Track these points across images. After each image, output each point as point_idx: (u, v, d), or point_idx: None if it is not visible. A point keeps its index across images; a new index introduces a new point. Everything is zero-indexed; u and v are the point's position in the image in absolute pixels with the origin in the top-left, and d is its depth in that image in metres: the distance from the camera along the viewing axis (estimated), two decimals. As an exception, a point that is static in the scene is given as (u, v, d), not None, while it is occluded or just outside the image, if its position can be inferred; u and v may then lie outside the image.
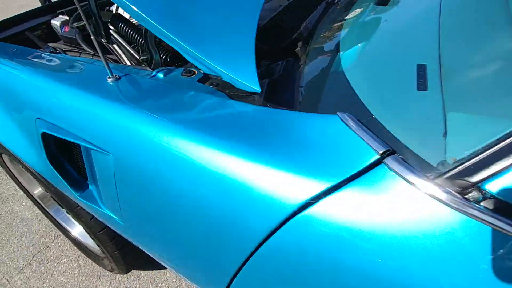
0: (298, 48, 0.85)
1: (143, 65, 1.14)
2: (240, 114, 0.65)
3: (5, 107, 1.06)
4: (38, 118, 0.92)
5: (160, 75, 0.90)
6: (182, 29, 0.70)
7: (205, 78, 0.88)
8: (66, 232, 1.64)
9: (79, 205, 1.14)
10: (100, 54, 0.81)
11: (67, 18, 1.65)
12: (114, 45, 1.19)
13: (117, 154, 0.75)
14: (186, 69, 0.89)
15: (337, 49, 0.78)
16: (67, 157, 0.99)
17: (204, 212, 0.62)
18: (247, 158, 0.55)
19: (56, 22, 1.64)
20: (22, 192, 2.29)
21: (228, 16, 0.78)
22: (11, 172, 1.55)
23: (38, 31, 1.68)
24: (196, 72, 0.89)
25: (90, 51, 1.27)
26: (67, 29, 1.61)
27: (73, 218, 1.23)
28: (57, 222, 1.63)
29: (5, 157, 1.46)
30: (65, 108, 0.85)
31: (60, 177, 0.95)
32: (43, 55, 1.12)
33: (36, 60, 1.07)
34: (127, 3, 0.71)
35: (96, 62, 1.03)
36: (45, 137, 0.93)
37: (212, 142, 0.60)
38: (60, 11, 1.71)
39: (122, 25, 1.11)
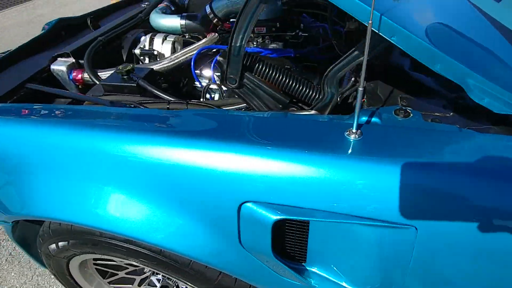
0: None
1: (293, 109, 0.99)
2: None
3: (166, 202, 0.79)
4: (246, 202, 0.72)
5: (376, 120, 0.80)
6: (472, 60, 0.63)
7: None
8: None
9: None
10: (358, 105, 0.67)
11: (73, 60, 1.32)
12: (242, 90, 1.00)
13: (424, 227, 0.63)
14: (403, 109, 0.81)
15: None
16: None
17: None
18: None
19: (60, 68, 1.30)
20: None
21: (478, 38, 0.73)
22: (72, 278, 1.18)
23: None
24: (411, 112, 0.81)
25: (180, 100, 1.04)
26: (76, 74, 1.30)
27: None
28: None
29: (75, 261, 1.11)
30: (299, 183, 0.68)
31: (286, 267, 0.75)
32: (176, 117, 0.87)
33: (187, 125, 0.83)
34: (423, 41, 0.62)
35: (277, 113, 0.87)
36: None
37: None
38: (61, 52, 1.34)
39: (264, 67, 0.95)
